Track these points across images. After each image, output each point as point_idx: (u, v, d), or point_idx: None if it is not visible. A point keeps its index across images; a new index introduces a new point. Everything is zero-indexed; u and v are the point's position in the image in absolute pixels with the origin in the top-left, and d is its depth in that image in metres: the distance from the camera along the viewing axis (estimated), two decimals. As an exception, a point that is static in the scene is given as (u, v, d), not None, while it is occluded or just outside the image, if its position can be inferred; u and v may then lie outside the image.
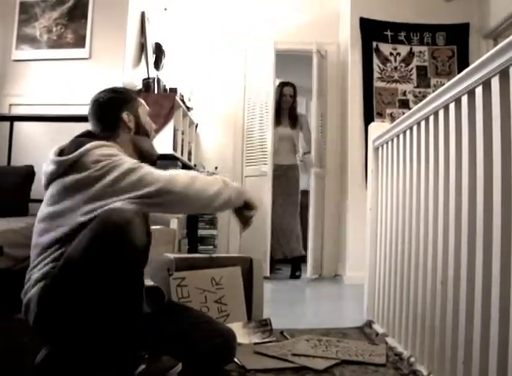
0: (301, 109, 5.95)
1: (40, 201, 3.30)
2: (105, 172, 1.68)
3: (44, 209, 1.79)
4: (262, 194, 5.09)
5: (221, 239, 5.22)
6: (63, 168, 1.74)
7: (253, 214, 1.96)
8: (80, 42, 4.31)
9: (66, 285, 1.60)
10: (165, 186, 1.68)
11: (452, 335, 1.59)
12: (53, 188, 1.76)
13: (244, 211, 1.95)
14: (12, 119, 4.06)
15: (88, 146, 1.76)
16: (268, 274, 4.58)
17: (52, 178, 1.78)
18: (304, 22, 5.43)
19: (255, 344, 2.25)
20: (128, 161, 1.73)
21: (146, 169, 1.72)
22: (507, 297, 1.24)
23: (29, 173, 3.58)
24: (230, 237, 5.31)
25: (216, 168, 5.27)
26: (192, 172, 1.91)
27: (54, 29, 4.33)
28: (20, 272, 2.85)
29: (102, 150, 1.75)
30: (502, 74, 1.31)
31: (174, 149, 4.27)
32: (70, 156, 1.75)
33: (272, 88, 5.18)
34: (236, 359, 1.99)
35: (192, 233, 4.83)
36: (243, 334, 2.28)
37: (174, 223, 3.48)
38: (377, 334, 2.48)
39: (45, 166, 1.82)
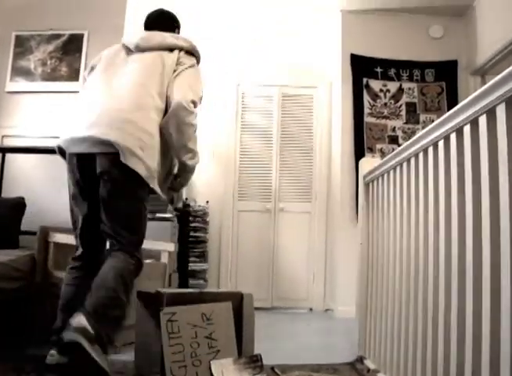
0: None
1: (31, 233, 3.28)
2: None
3: None
4: (263, 231, 5.18)
5: (211, 273, 5.20)
6: None
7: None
8: (74, 75, 4.35)
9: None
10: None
11: (443, 372, 1.59)
12: None
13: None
14: (5, 150, 4.07)
15: None
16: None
17: None
18: (297, 56, 5.51)
19: (245, 380, 2.22)
20: None
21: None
22: (497, 332, 1.25)
23: (20, 205, 3.57)
24: (221, 271, 5.29)
25: (207, 201, 5.28)
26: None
27: (48, 62, 4.38)
28: (8, 305, 2.83)
29: None
30: (489, 113, 1.34)
31: (166, 182, 4.27)
32: None
33: (275, 125, 5.41)
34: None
35: (182, 268, 4.80)
36: (233, 370, 2.25)
37: (164, 257, 3.47)
38: (369, 370, 2.46)
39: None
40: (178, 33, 2.77)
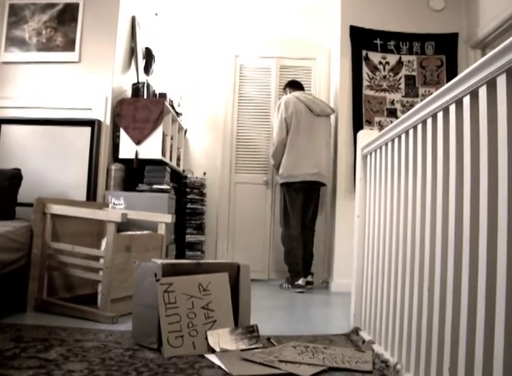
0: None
1: (27, 205, 3.29)
2: None
3: None
4: (260, 203, 5.30)
5: (209, 245, 5.22)
6: None
7: None
8: (69, 46, 4.29)
9: None
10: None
11: (438, 342, 1.60)
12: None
13: None
14: (0, 122, 4.05)
15: None
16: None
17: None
18: (296, 28, 5.46)
19: (242, 350, 2.24)
20: None
21: None
22: (492, 303, 1.25)
23: (16, 176, 3.57)
24: (218, 243, 5.31)
25: (205, 173, 5.28)
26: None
27: (43, 32, 4.31)
28: (7, 276, 2.84)
29: None
30: (490, 84, 1.32)
31: (163, 154, 4.26)
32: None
33: (273, 97, 5.46)
34: (222, 366, 1.99)
35: (180, 239, 4.83)
36: (229, 341, 2.27)
37: (161, 229, 3.47)
38: (364, 341, 2.49)
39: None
40: None
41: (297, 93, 4.87)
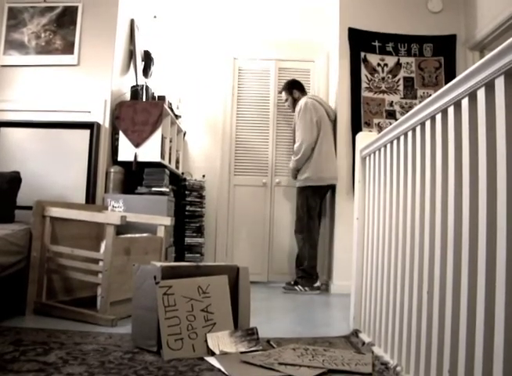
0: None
1: (27, 208, 3.29)
2: None
3: None
4: (259, 205, 5.32)
5: (208, 247, 5.21)
6: None
7: None
8: (68, 49, 4.29)
9: None
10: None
11: (437, 344, 1.60)
12: None
13: None
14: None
15: None
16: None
17: None
18: (295, 30, 5.47)
19: (242, 353, 2.24)
20: None
21: None
22: (492, 305, 1.25)
23: (15, 179, 3.56)
24: (217, 246, 5.31)
25: (204, 176, 5.28)
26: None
27: (42, 35, 4.31)
28: (6, 279, 2.84)
29: None
30: (488, 86, 1.32)
31: (162, 156, 4.26)
32: None
33: (272, 99, 5.48)
34: (222, 368, 1.99)
35: (179, 242, 4.82)
36: (229, 343, 2.27)
37: (161, 231, 3.47)
38: (364, 343, 2.49)
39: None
40: None
41: (314, 97, 4.96)
